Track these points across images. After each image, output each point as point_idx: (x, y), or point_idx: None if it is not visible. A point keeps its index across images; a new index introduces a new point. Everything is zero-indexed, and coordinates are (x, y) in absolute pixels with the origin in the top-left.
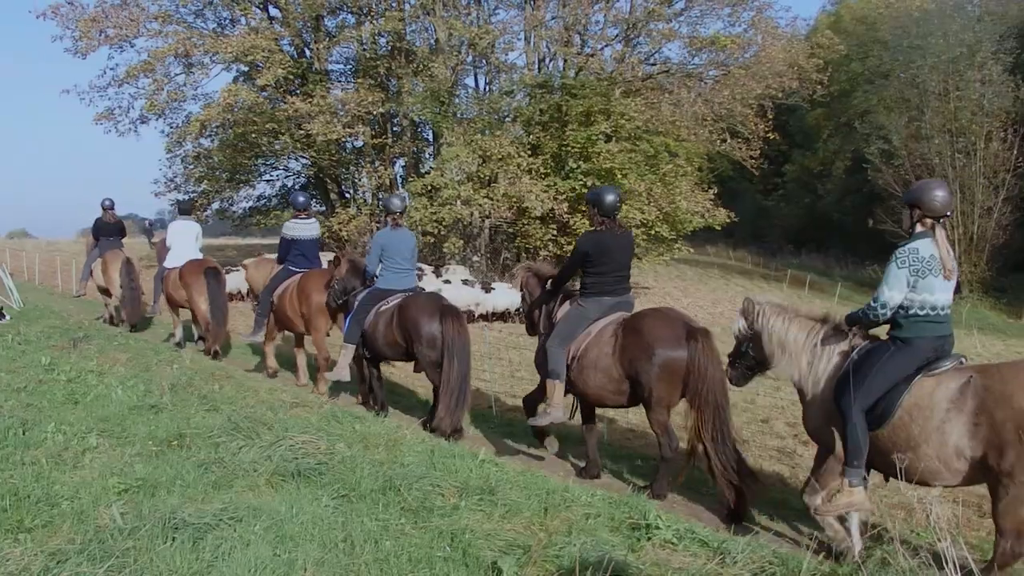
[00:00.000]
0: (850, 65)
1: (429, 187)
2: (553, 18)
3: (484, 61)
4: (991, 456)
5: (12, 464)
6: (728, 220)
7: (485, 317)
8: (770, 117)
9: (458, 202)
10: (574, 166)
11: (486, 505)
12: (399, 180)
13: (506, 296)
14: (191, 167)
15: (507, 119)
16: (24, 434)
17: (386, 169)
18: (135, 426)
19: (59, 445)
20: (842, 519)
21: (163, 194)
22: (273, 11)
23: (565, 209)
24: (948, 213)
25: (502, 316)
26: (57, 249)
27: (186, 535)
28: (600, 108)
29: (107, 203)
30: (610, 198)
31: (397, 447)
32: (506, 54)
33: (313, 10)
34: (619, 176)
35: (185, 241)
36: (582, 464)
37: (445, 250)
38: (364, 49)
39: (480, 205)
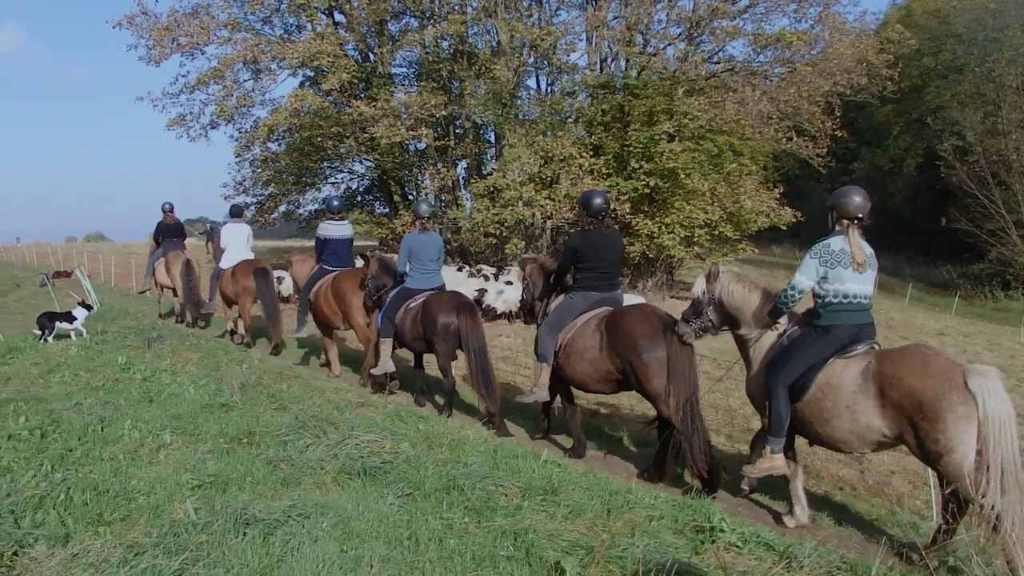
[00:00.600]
0: (922, 60)
1: (491, 188)
2: (615, 18)
3: (546, 62)
4: (904, 433)
5: (92, 459)
6: (794, 219)
7: None
8: (838, 114)
9: (520, 203)
10: (636, 166)
11: (549, 505)
12: (461, 182)
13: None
14: (259, 171)
15: (569, 120)
16: (103, 431)
17: (448, 171)
18: (207, 424)
19: (135, 442)
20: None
21: (232, 197)
22: (338, 17)
23: (627, 209)
24: (861, 215)
25: None
26: (132, 252)
27: (256, 530)
28: (663, 108)
29: (167, 207)
30: (597, 201)
31: (460, 447)
32: (568, 55)
33: (377, 15)
34: (682, 176)
35: (237, 242)
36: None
37: (507, 251)
38: (427, 52)
39: (542, 206)
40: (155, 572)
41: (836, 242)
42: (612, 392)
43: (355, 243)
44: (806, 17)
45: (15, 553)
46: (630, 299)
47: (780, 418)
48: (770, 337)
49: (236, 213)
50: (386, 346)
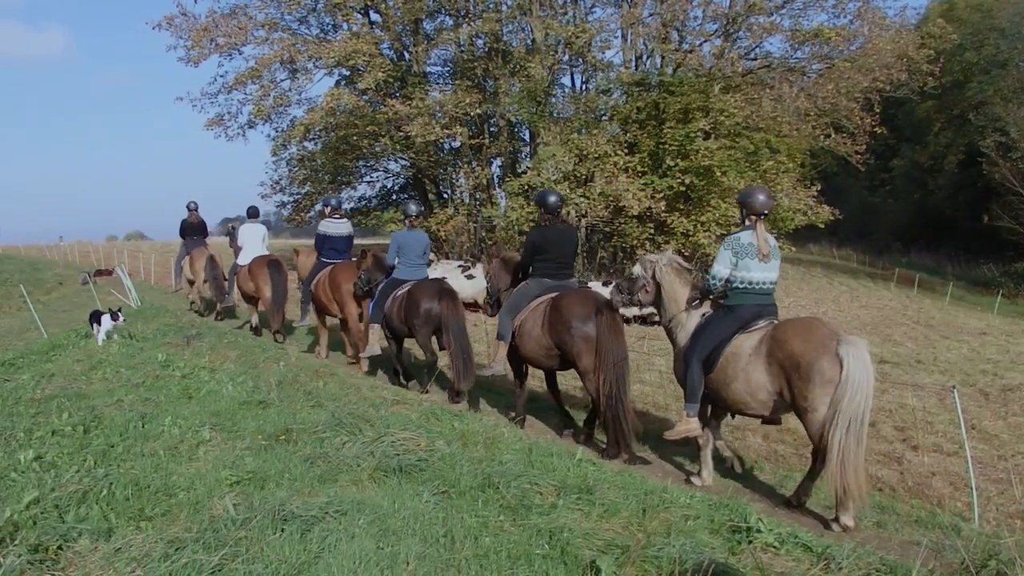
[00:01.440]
0: (964, 55)
1: (526, 187)
2: (650, 15)
3: (581, 60)
4: (784, 390)
5: (133, 455)
6: (832, 217)
7: None
8: (877, 111)
9: None
10: (672, 164)
11: (584, 504)
12: (496, 180)
13: (602, 295)
14: (295, 170)
15: (604, 118)
16: (143, 427)
17: (483, 169)
18: (245, 421)
19: (175, 438)
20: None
21: (269, 196)
22: (374, 16)
23: (663, 208)
24: (765, 212)
25: None
26: (171, 250)
27: (294, 527)
28: (699, 105)
29: (192, 205)
30: (552, 199)
31: (495, 445)
32: (603, 52)
33: (412, 13)
34: (718, 173)
35: (253, 241)
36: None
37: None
38: (462, 51)
39: (577, 204)
40: (195, 567)
41: (745, 236)
42: (558, 368)
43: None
44: (845, 12)
45: (60, 547)
46: None
47: (695, 386)
48: (694, 319)
49: (253, 214)
50: (375, 331)
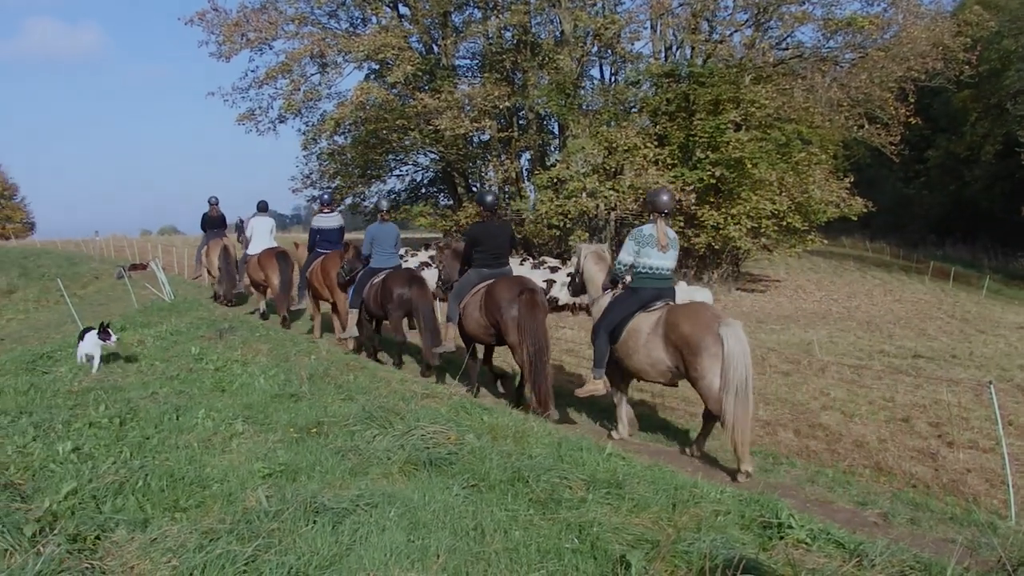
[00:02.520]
0: (1001, 42)
1: (555, 180)
2: (680, 5)
3: (610, 51)
4: (679, 365)
5: (168, 447)
6: (865, 209)
7: None
8: (912, 100)
9: (583, 194)
10: (702, 156)
11: (613, 499)
12: (525, 173)
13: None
14: (325, 164)
15: (633, 110)
16: (178, 419)
17: (512, 162)
18: (277, 413)
19: (209, 430)
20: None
21: (300, 190)
22: (402, 9)
23: (693, 200)
24: (667, 211)
25: None
26: None
27: (326, 519)
28: (729, 96)
29: (213, 200)
30: (489, 199)
31: (525, 439)
32: (632, 43)
33: (441, 6)
34: (749, 165)
35: (262, 233)
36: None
37: (571, 243)
38: (490, 43)
39: (606, 197)
40: (229, 558)
41: (647, 229)
42: (496, 344)
43: (422, 235)
44: (878, 0)
45: (97, 537)
46: (695, 292)
47: (602, 354)
48: (606, 299)
49: (262, 208)
50: (353, 315)
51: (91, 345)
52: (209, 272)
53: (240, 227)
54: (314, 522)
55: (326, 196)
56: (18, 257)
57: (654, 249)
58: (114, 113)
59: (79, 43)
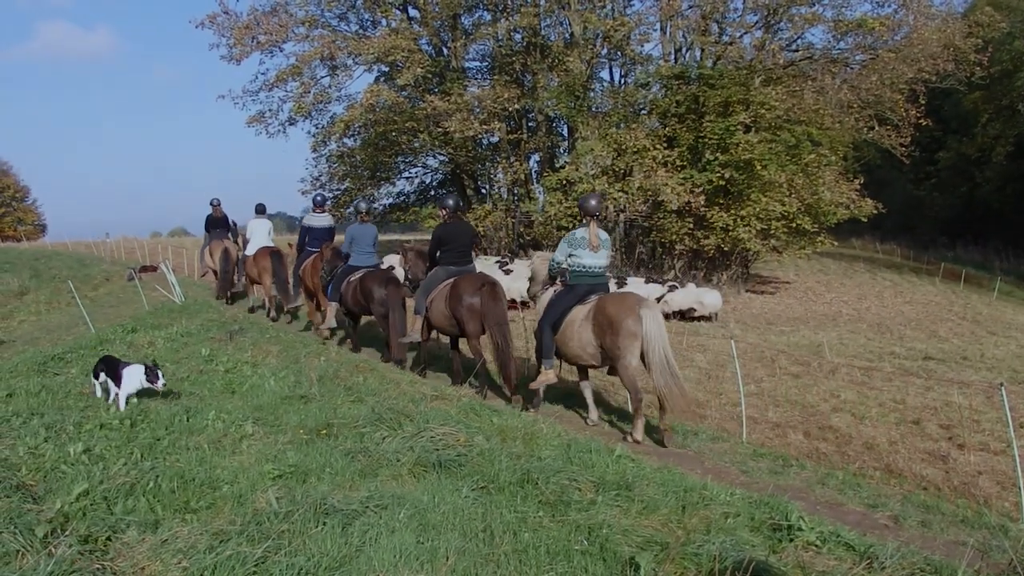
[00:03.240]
0: (1013, 43)
1: (564, 181)
2: (690, 7)
3: (619, 53)
4: (602, 344)
5: (178, 449)
6: (875, 211)
7: None
8: (922, 102)
9: None
10: (711, 158)
11: (623, 501)
12: (534, 175)
13: (641, 291)
14: (335, 166)
15: (642, 111)
16: (188, 421)
17: (521, 164)
18: (287, 415)
19: (219, 432)
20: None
21: (309, 192)
22: (412, 11)
23: (702, 202)
24: (596, 214)
25: None
26: None
27: (336, 520)
28: (739, 98)
29: (215, 201)
30: (450, 202)
31: (534, 441)
32: (641, 45)
33: (451, 8)
34: (758, 167)
35: (259, 234)
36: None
37: None
38: (500, 45)
39: (615, 199)
40: (239, 559)
41: (580, 232)
42: (459, 335)
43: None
44: (889, 1)
45: (109, 538)
46: (704, 294)
47: (547, 346)
48: (548, 296)
49: (260, 211)
50: (331, 308)
51: (134, 385)
52: (213, 271)
53: (233, 229)
54: (324, 523)
55: (318, 197)
56: (30, 259)
57: (586, 250)
58: (126, 116)
59: (92, 46)
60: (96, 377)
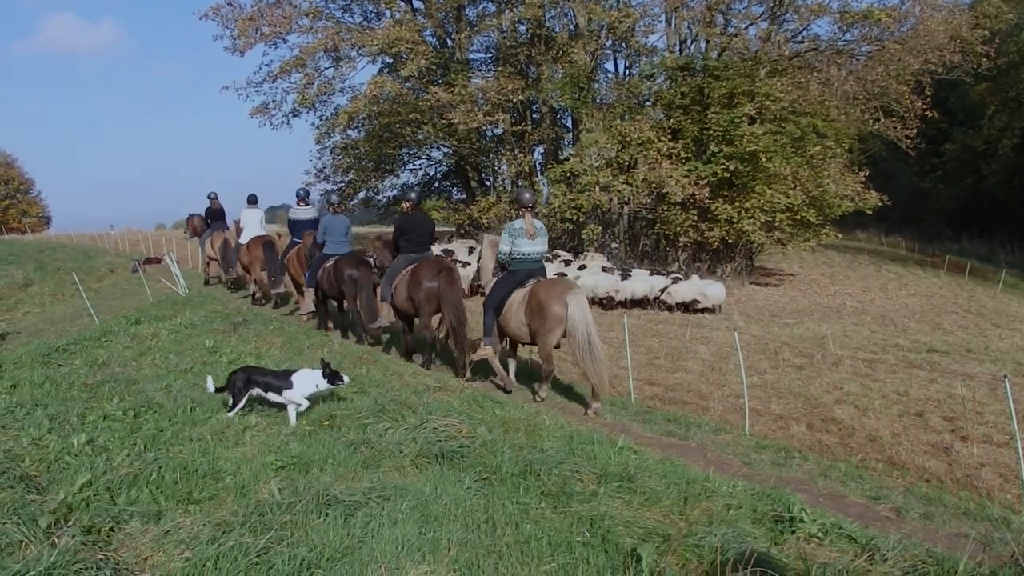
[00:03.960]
0: (1020, 35)
1: (568, 173)
2: None
3: (624, 45)
4: (531, 324)
5: (182, 440)
6: (880, 203)
7: (624, 304)
8: (928, 94)
9: (597, 188)
10: (716, 150)
11: (625, 492)
12: (538, 167)
13: (645, 283)
14: (339, 158)
15: (647, 103)
16: (192, 412)
17: (525, 156)
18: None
19: (222, 423)
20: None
21: (313, 184)
22: (416, 3)
23: (706, 194)
24: (530, 206)
25: (641, 303)
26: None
27: (338, 511)
28: (744, 89)
29: (212, 195)
30: (412, 195)
31: (536, 432)
32: (646, 37)
33: (455, 0)
34: (763, 159)
35: (252, 224)
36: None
37: (584, 237)
38: (504, 37)
39: (619, 191)
40: (242, 550)
41: (517, 223)
42: (418, 317)
43: (436, 229)
44: None
45: (112, 528)
46: (707, 286)
47: (490, 325)
48: (493, 280)
49: (252, 201)
50: (309, 293)
51: (310, 388)
52: (211, 260)
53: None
54: (326, 514)
55: (301, 191)
56: (34, 251)
57: (524, 239)
58: (130, 108)
59: (97, 39)
60: (241, 393)
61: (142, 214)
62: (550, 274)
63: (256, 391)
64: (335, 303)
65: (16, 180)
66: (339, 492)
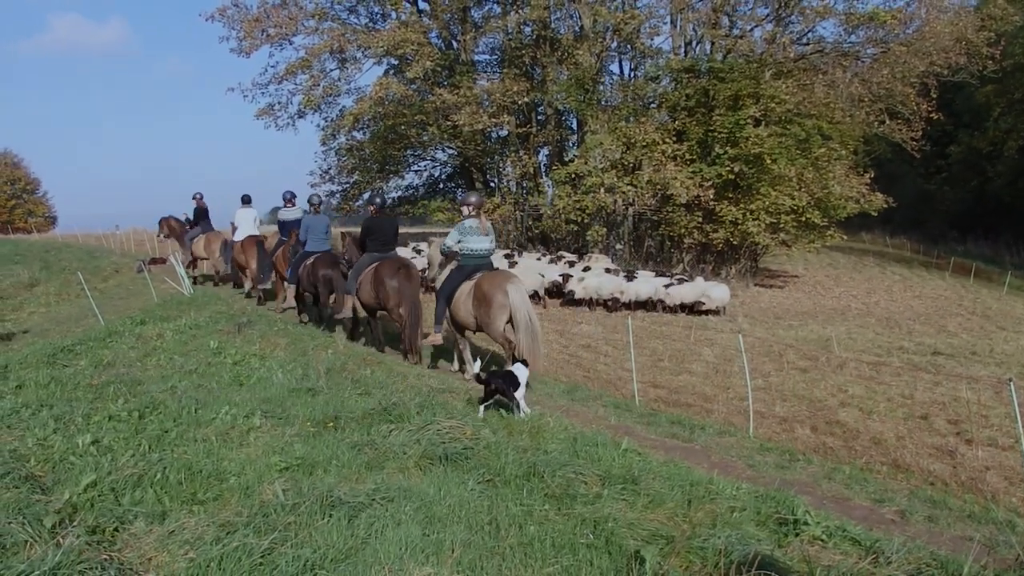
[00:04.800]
0: None
1: (573, 175)
2: (700, 0)
3: (629, 47)
4: (477, 313)
5: (186, 440)
6: (885, 205)
7: (628, 306)
8: (934, 96)
9: (601, 190)
10: (721, 152)
11: (629, 494)
12: (543, 168)
13: (649, 284)
14: (344, 159)
15: (652, 105)
16: (196, 413)
17: (530, 158)
18: (294, 407)
19: (227, 424)
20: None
21: (318, 185)
22: (422, 4)
23: (711, 196)
24: (479, 206)
25: (645, 305)
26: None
27: (342, 512)
28: (749, 91)
29: (197, 195)
30: (377, 200)
31: (540, 434)
32: (652, 39)
33: (461, 1)
34: (768, 161)
35: (246, 223)
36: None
37: (588, 238)
38: (509, 39)
39: (624, 192)
40: (246, 550)
41: (469, 222)
42: (382, 309)
43: (443, 230)
44: None
45: (116, 529)
46: (711, 287)
47: (441, 314)
48: (444, 275)
49: (246, 201)
50: (290, 290)
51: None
52: (199, 259)
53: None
54: (330, 516)
55: (287, 194)
56: (40, 251)
57: (476, 236)
58: (134, 107)
59: (104, 39)
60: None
61: (148, 214)
62: (554, 273)
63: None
64: (311, 296)
65: (22, 180)
66: (343, 493)
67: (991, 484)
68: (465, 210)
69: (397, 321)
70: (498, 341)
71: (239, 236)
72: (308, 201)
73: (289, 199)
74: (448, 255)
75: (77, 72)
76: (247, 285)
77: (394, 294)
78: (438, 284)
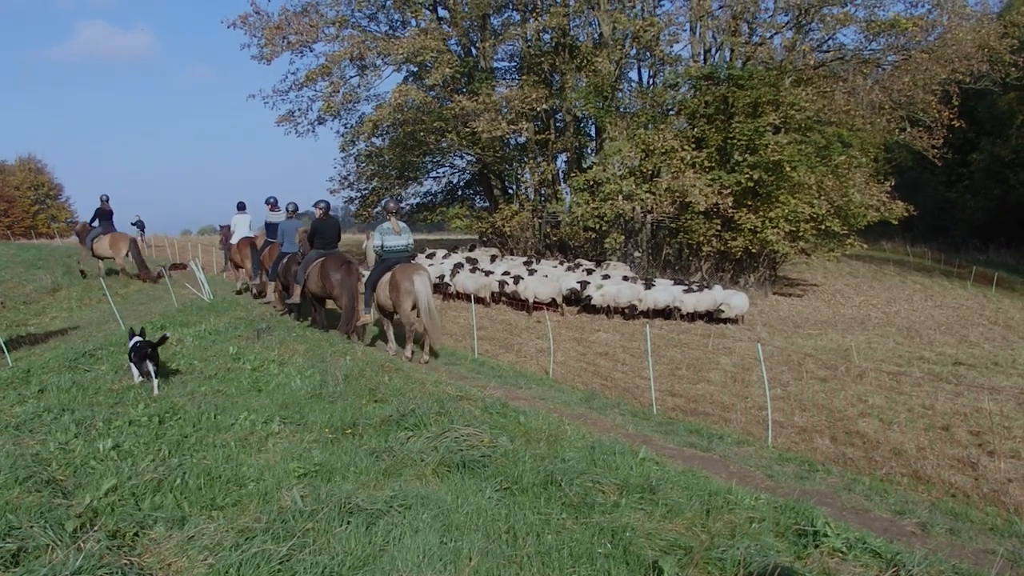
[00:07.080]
0: None
1: (591, 182)
2: (720, 7)
3: (648, 54)
4: (392, 299)
5: (205, 446)
6: (906, 213)
7: (646, 314)
8: (955, 103)
9: (620, 197)
10: (740, 159)
11: (647, 504)
12: (561, 175)
13: (668, 292)
14: (363, 165)
15: (671, 112)
16: (215, 418)
17: (548, 164)
18: (312, 414)
19: (246, 430)
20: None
21: (337, 191)
22: (442, 12)
23: (730, 204)
24: (394, 210)
25: (663, 313)
26: None
27: (360, 519)
28: (768, 99)
29: (104, 197)
30: (323, 204)
31: (558, 442)
32: (671, 46)
33: (480, 9)
34: (787, 168)
35: (242, 227)
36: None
37: (606, 245)
38: (528, 46)
39: (642, 200)
40: (264, 556)
41: (385, 225)
42: (327, 298)
43: (459, 237)
44: (923, 2)
45: (136, 533)
46: (730, 296)
47: (367, 299)
48: (379, 265)
49: (241, 207)
50: (271, 286)
51: None
52: (103, 258)
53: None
54: (348, 522)
55: (271, 199)
56: (62, 256)
57: (391, 235)
58: (160, 114)
59: (131, 46)
60: None
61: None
62: (571, 281)
63: None
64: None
65: (46, 185)
66: (361, 500)
67: (1014, 497)
68: (384, 215)
69: (339, 307)
70: (403, 322)
71: (236, 239)
72: (284, 208)
73: (273, 204)
74: (378, 252)
75: (102, 77)
76: (243, 280)
77: (338, 285)
78: (366, 276)
